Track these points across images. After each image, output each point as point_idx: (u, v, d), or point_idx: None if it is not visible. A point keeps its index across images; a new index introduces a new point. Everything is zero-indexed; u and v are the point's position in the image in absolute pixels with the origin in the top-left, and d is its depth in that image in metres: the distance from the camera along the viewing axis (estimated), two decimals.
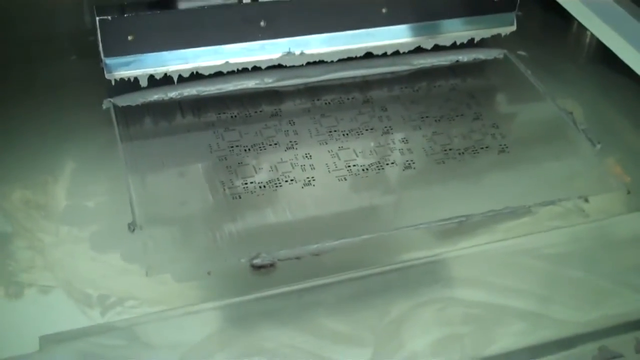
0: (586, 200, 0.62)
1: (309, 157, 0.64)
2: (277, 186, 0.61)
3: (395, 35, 0.71)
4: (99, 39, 0.63)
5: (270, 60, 0.68)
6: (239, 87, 0.69)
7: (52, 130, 0.64)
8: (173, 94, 0.67)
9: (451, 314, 0.50)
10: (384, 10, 0.69)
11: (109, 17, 0.61)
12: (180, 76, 0.66)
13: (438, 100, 0.72)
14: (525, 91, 0.74)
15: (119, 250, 0.55)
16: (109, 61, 0.64)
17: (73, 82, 0.70)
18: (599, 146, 0.67)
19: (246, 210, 0.58)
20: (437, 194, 0.62)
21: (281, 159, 0.63)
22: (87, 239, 0.55)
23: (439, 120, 0.69)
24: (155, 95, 0.67)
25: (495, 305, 0.51)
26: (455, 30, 0.73)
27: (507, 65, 0.77)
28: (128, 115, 0.66)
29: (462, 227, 0.58)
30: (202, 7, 0.64)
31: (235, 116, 0.67)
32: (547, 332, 0.50)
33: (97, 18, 0.61)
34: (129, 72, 0.65)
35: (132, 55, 0.65)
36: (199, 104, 0.68)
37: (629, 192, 0.63)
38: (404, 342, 0.48)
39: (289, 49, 0.68)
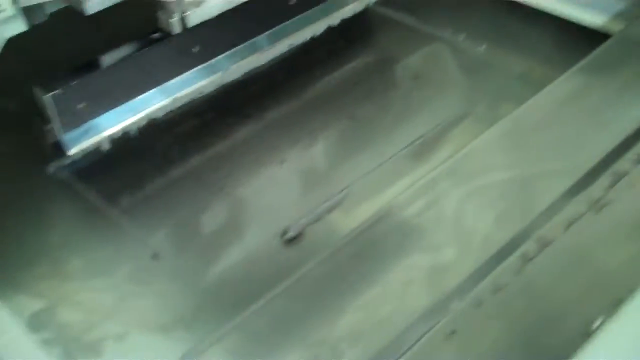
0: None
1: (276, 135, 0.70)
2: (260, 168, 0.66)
3: (307, 22, 0.75)
4: (54, 115, 0.62)
5: (213, 82, 0.70)
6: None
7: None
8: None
9: (493, 196, 0.56)
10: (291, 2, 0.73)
11: (59, 91, 0.61)
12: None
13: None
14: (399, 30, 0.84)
15: (158, 278, 0.57)
16: (67, 136, 0.63)
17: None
18: (483, 47, 0.78)
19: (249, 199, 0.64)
20: (386, 128, 0.71)
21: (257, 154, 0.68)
22: (121, 281, 0.57)
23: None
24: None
25: (522, 177, 0.58)
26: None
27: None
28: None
29: (424, 146, 0.67)
30: (143, 51, 0.65)
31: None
32: (573, 176, 0.57)
33: (49, 94, 0.61)
34: (89, 140, 0.65)
35: (87, 123, 0.64)
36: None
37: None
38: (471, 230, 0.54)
39: (226, 66, 0.70)
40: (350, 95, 0.74)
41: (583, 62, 0.68)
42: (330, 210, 0.61)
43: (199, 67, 0.69)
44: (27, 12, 0.63)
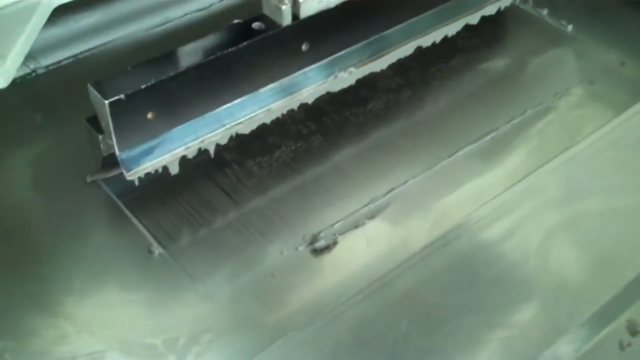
0: (591, 82, 0.60)
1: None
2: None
3: (440, 19, 0.57)
4: (113, 126, 0.44)
5: (317, 90, 0.53)
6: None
7: None
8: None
9: (590, 230, 0.45)
10: None
11: (122, 97, 0.44)
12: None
13: None
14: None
15: (151, 283, 0.44)
16: (127, 154, 0.46)
17: None
18: (570, 27, 0.65)
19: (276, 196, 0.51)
20: (456, 118, 0.57)
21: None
22: (109, 282, 0.44)
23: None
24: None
25: (627, 209, 0.46)
26: None
27: None
28: None
29: (495, 141, 0.54)
30: (238, 47, 0.47)
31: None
32: None
33: (107, 101, 0.43)
34: (154, 161, 0.48)
35: (154, 139, 0.47)
36: None
37: (623, 64, 0.61)
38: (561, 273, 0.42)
39: (336, 71, 0.53)
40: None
41: None
42: (371, 216, 0.48)
43: (305, 70, 0.52)
44: None
